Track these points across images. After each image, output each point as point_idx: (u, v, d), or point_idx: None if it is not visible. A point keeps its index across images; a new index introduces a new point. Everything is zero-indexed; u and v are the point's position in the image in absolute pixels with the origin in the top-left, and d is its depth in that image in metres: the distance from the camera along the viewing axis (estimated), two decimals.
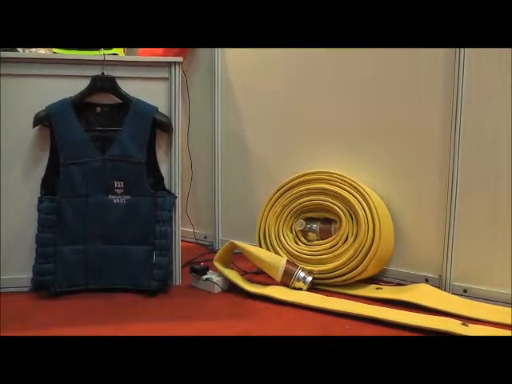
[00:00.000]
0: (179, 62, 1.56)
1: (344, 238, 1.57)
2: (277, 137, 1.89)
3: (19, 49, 1.85)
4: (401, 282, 1.64)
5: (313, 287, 1.56)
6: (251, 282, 1.59)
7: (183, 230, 1.83)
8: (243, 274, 1.65)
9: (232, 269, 1.64)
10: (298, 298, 1.46)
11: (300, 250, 1.63)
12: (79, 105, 1.50)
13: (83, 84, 1.50)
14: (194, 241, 2.08)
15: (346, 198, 1.57)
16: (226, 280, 1.57)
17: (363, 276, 1.56)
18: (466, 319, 1.34)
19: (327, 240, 1.62)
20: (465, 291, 1.52)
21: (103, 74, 1.51)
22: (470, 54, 1.47)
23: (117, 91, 1.52)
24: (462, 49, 1.48)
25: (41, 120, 1.48)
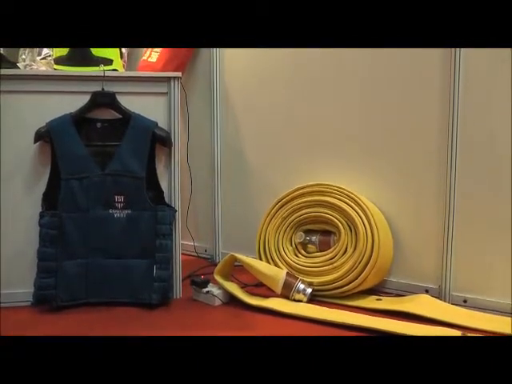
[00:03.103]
0: (178, 77, 1.58)
1: (343, 249, 1.58)
2: (276, 150, 1.90)
3: (20, 65, 1.88)
4: (401, 292, 1.64)
5: (313, 299, 1.56)
6: (251, 294, 1.59)
7: (183, 243, 1.84)
8: (243, 286, 1.65)
9: (232, 281, 1.64)
10: (298, 310, 1.47)
11: (300, 262, 1.64)
12: (79, 120, 1.52)
13: (83, 100, 1.52)
14: (195, 254, 2.09)
15: (344, 210, 1.58)
16: (227, 293, 1.57)
17: (363, 287, 1.56)
18: (466, 329, 1.34)
19: (327, 252, 1.62)
20: (465, 301, 1.53)
21: (103, 89, 1.53)
22: (466, 58, 1.49)
23: (117, 106, 1.53)
24: (458, 53, 1.49)
25: (42, 136, 1.49)
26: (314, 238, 1.66)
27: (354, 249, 1.56)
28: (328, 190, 1.63)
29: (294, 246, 1.69)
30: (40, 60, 2.03)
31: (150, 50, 2.02)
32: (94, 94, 1.52)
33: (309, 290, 1.55)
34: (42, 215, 1.48)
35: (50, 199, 1.50)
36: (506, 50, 1.42)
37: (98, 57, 1.61)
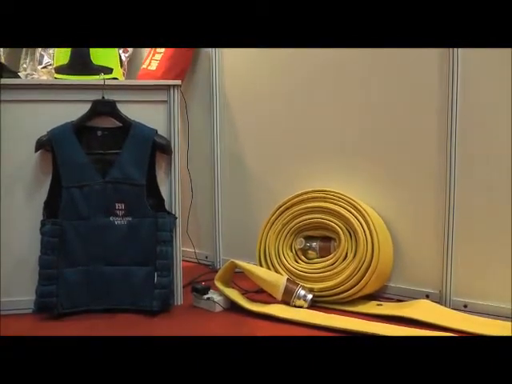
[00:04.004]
0: (178, 85, 1.59)
1: (343, 255, 1.58)
2: (276, 156, 1.91)
3: (21, 75, 1.89)
4: (401, 298, 1.64)
5: (314, 305, 1.56)
6: (252, 300, 1.59)
7: (184, 249, 1.84)
8: (244, 292, 1.66)
9: (233, 288, 1.64)
10: (299, 316, 1.47)
11: (300, 268, 1.64)
12: (80, 129, 1.53)
13: (84, 108, 1.53)
14: (195, 260, 2.09)
15: (344, 216, 1.59)
16: (227, 299, 1.57)
17: (363, 293, 1.57)
18: (467, 334, 1.34)
19: (327, 258, 1.63)
20: (465, 306, 1.53)
21: (103, 98, 1.54)
22: (464, 58, 1.49)
23: (117, 115, 1.54)
24: (456, 53, 1.49)
25: (43, 144, 1.50)
26: (314, 244, 1.66)
27: (355, 254, 1.56)
28: (328, 196, 1.64)
29: (294, 252, 1.69)
30: (41, 69, 2.05)
31: (149, 58, 2.04)
32: (95, 103, 1.53)
33: (309, 296, 1.55)
34: (43, 223, 1.49)
35: (51, 207, 1.51)
36: (506, 50, 1.42)
37: (98, 65, 1.62)
